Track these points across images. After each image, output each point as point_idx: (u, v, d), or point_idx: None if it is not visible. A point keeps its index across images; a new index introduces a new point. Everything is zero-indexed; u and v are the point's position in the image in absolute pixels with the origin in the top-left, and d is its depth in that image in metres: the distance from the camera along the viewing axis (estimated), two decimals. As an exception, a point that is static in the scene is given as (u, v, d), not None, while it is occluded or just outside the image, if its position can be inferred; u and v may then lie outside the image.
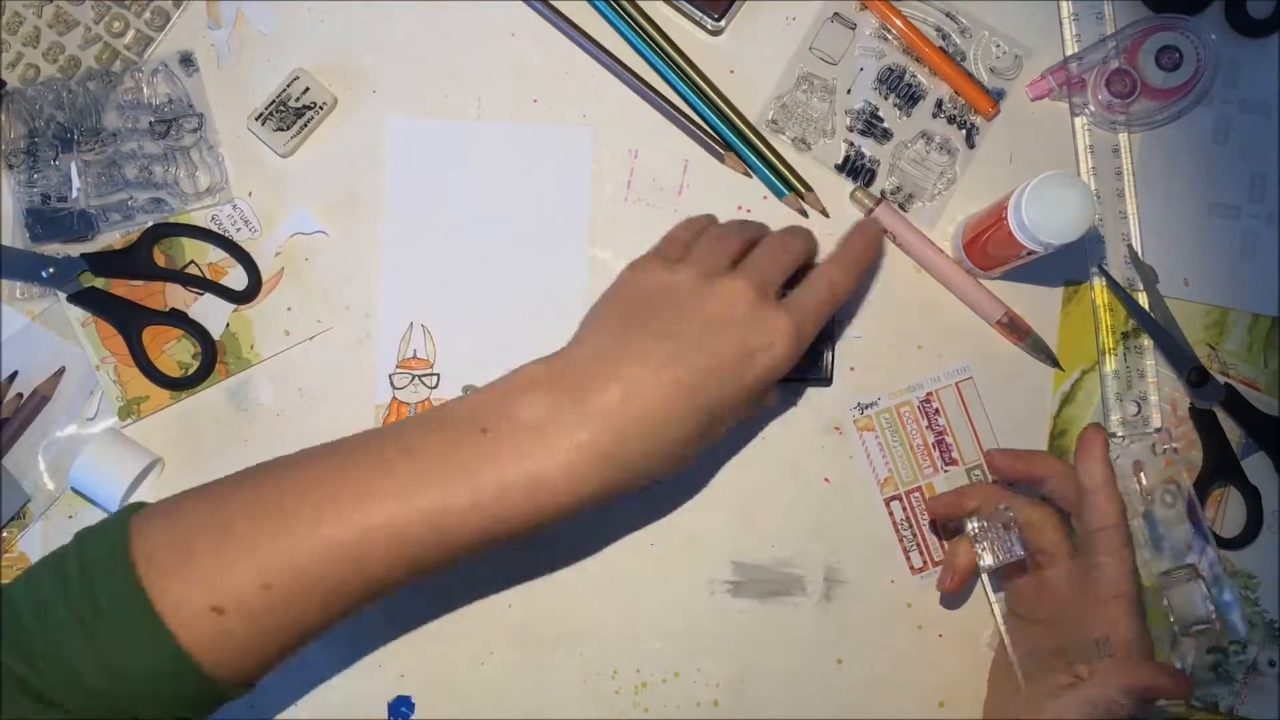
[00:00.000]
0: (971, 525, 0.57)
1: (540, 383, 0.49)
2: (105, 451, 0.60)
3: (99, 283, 0.63)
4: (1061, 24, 0.63)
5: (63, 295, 0.62)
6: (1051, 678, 0.55)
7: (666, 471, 0.50)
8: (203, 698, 0.47)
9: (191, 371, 0.62)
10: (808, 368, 0.62)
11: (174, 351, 0.63)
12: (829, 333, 0.62)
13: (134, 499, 0.62)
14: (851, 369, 0.63)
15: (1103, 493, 0.56)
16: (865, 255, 0.58)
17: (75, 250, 0.63)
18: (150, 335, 0.62)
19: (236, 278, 0.63)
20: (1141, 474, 0.61)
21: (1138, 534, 0.60)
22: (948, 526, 0.62)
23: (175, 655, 0.45)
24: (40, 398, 0.63)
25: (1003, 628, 0.59)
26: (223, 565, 0.46)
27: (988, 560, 0.57)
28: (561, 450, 0.47)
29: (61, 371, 0.63)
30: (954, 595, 0.62)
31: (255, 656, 0.48)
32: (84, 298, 0.62)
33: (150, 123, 0.63)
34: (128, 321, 0.62)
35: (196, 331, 0.62)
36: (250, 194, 0.64)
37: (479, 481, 0.47)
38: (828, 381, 0.63)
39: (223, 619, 0.46)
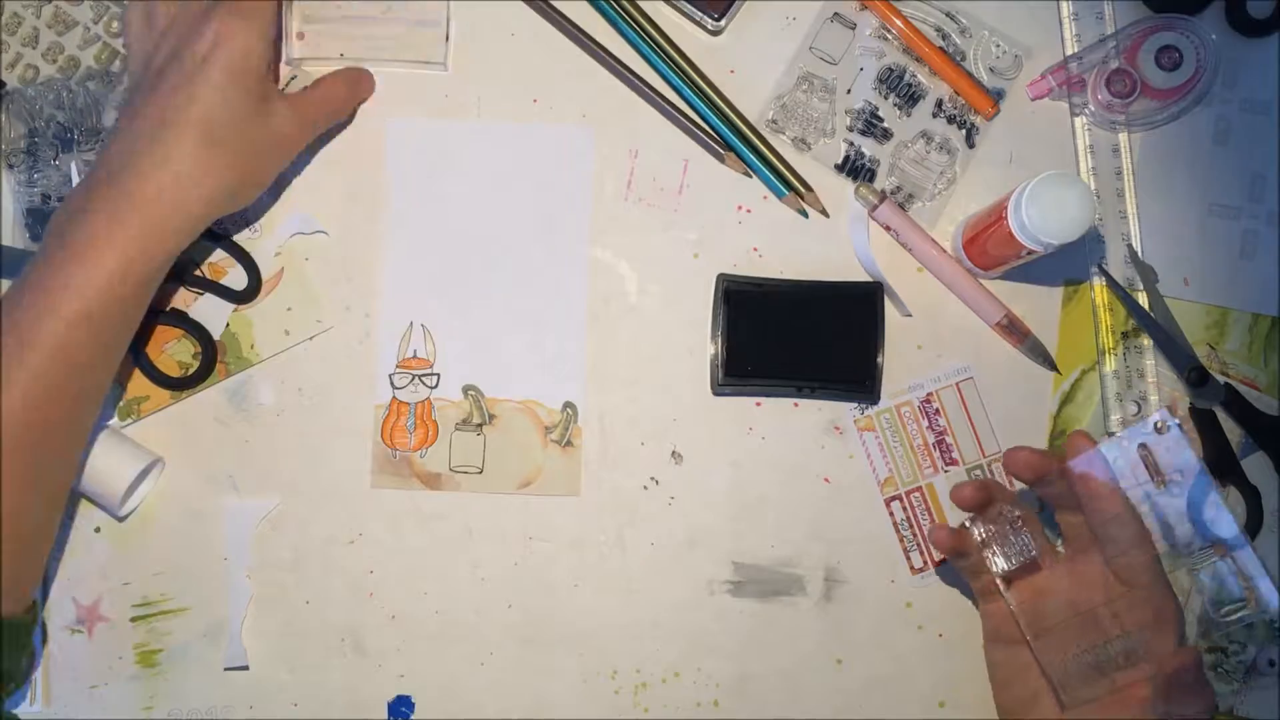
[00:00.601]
0: (979, 530, 0.57)
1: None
2: (105, 451, 0.60)
3: (99, 283, 0.63)
4: (1061, 24, 0.63)
5: (63, 295, 0.62)
6: (1091, 689, 0.55)
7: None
8: None
9: (191, 371, 0.62)
10: (856, 387, 0.62)
11: (174, 351, 0.63)
12: (874, 356, 0.62)
13: (134, 499, 0.62)
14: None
15: (1105, 489, 0.55)
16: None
17: (75, 250, 0.63)
18: (150, 335, 0.62)
19: (236, 277, 0.63)
20: (1151, 456, 0.59)
21: (1149, 521, 0.58)
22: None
23: None
24: (40, 398, 0.63)
25: (1033, 645, 0.57)
26: None
27: (1001, 564, 0.56)
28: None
29: (61, 371, 0.63)
30: (945, 561, 0.61)
31: None
32: (84, 298, 0.62)
33: (150, 123, 0.63)
34: (128, 321, 0.62)
35: (196, 331, 0.62)
36: (250, 194, 0.64)
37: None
38: (875, 399, 0.63)
39: None
